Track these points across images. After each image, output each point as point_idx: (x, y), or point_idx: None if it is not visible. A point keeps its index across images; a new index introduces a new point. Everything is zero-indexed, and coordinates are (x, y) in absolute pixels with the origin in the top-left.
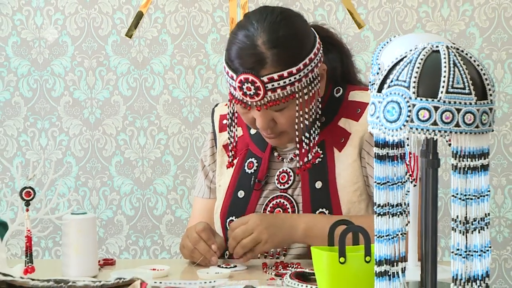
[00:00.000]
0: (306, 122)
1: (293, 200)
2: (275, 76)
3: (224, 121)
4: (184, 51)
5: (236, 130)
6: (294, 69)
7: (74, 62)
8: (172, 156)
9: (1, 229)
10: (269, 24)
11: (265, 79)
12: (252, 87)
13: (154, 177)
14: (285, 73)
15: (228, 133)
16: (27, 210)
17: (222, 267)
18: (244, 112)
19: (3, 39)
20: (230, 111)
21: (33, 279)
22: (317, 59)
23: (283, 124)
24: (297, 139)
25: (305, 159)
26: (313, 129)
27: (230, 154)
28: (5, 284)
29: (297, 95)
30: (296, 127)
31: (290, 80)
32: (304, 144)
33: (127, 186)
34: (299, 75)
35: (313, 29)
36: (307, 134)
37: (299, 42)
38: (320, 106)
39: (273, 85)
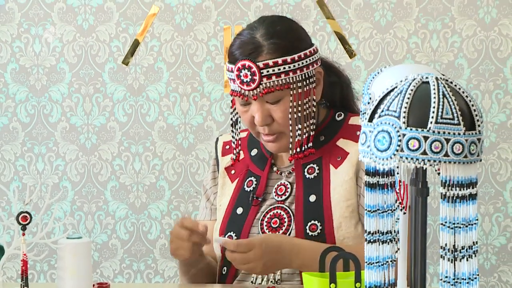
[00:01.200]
0: (299, 114)
1: (289, 211)
2: (270, 62)
3: (227, 147)
4: (179, 79)
5: (240, 128)
6: (288, 58)
7: (72, 88)
8: (166, 181)
9: None
10: (268, 22)
11: (260, 64)
12: (249, 73)
13: (148, 202)
14: (279, 60)
15: (232, 131)
16: (23, 234)
17: None
18: (244, 110)
19: (2, 65)
20: (232, 112)
21: None
22: (313, 58)
23: (279, 120)
24: (290, 128)
25: (297, 149)
26: (307, 124)
27: (234, 151)
28: None
29: (291, 86)
30: (289, 116)
31: (284, 68)
32: (297, 134)
33: (122, 210)
34: (294, 66)
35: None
36: (299, 126)
37: (295, 36)
38: (315, 106)
39: (268, 71)
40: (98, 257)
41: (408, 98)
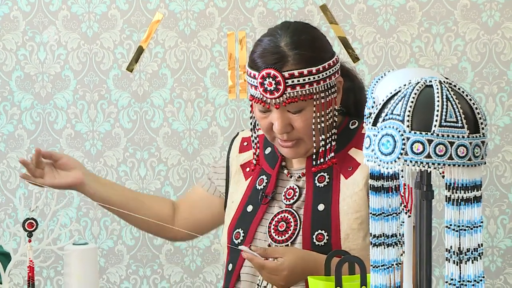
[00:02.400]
0: (322, 125)
1: (296, 216)
2: (296, 72)
3: (245, 143)
4: (183, 85)
5: (258, 131)
6: (314, 69)
7: (76, 95)
8: (171, 187)
9: (4, 260)
10: (292, 29)
11: (286, 74)
12: (273, 82)
13: None
14: (305, 71)
15: (252, 135)
16: (30, 241)
17: None
18: (263, 116)
19: (7, 73)
20: (252, 117)
21: None
22: (335, 68)
23: (299, 129)
24: (314, 138)
25: (321, 160)
26: (330, 134)
27: (254, 157)
28: None
29: (315, 97)
30: (313, 127)
31: (309, 79)
32: (320, 145)
33: None
34: (318, 76)
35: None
36: (323, 136)
37: (319, 46)
38: (336, 115)
39: (293, 81)
40: (105, 263)
41: (412, 102)
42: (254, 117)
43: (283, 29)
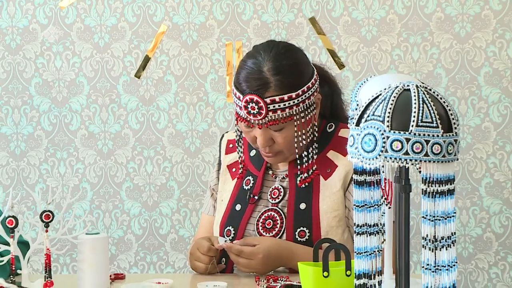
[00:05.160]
0: (304, 142)
1: (282, 214)
2: (277, 98)
3: (231, 145)
4: (186, 90)
5: (243, 145)
6: (293, 94)
7: (90, 99)
8: (176, 182)
9: (24, 248)
10: (274, 54)
11: (267, 100)
12: (256, 107)
13: (160, 200)
14: (285, 97)
15: (237, 146)
16: (47, 231)
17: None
18: (247, 130)
19: (27, 80)
20: (237, 130)
21: None
22: (314, 88)
23: (280, 144)
24: (297, 156)
25: (305, 175)
26: (311, 148)
27: (240, 166)
28: None
29: (295, 118)
30: (295, 145)
31: (289, 103)
32: (304, 161)
33: (136, 208)
34: (298, 100)
35: (312, 64)
36: (305, 152)
37: (300, 71)
38: (316, 130)
39: (274, 106)
40: (115, 250)
41: (392, 104)
42: (239, 129)
43: (266, 52)
